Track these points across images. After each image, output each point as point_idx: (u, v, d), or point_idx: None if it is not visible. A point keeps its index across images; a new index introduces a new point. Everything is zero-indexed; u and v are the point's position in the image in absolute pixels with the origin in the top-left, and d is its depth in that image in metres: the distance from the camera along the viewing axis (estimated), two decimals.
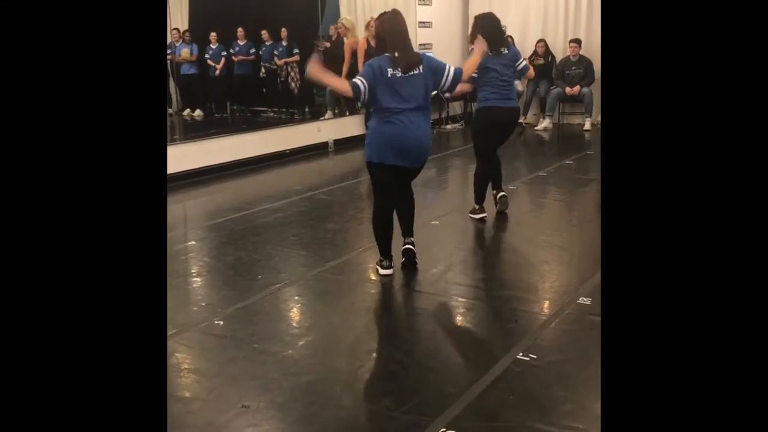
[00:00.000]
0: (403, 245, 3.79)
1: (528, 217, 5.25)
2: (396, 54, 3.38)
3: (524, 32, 9.66)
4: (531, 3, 9.65)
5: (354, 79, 3.40)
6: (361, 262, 4.02)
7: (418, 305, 3.33)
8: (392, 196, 3.65)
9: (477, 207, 4.83)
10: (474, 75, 4.34)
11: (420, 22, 9.37)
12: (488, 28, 4.49)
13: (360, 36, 8.14)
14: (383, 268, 3.66)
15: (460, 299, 3.38)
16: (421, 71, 3.42)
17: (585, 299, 3.27)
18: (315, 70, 3.37)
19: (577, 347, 2.86)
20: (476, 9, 10.05)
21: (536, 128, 9.22)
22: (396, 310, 3.31)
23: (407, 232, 3.82)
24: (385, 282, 3.73)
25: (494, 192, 4.95)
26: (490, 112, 4.67)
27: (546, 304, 3.24)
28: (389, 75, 3.37)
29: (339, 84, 3.59)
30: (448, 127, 9.55)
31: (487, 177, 4.87)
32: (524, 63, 4.80)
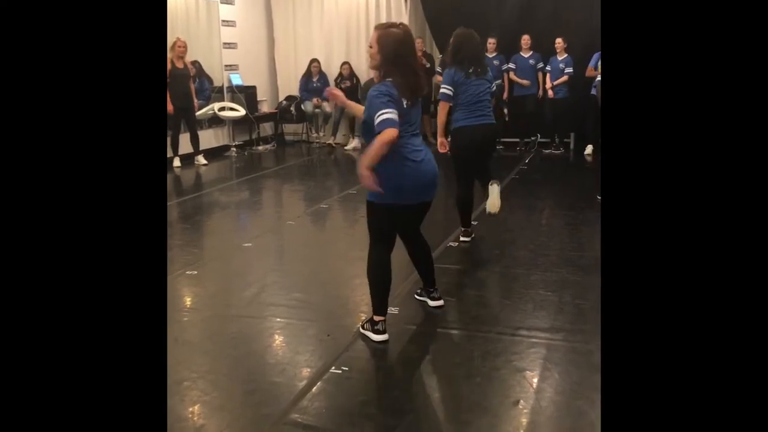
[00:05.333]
0: (432, 299, 3.48)
1: (340, 234, 5.39)
2: (402, 81, 2.86)
3: (329, 55, 9.93)
4: (334, 26, 9.95)
5: (385, 117, 2.75)
6: (169, 290, 3.85)
7: (232, 329, 3.28)
8: (393, 243, 3.17)
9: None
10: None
11: (223, 21, 9.26)
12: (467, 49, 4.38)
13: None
14: (379, 333, 3.05)
15: (275, 319, 3.38)
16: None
17: (393, 309, 3.41)
18: (366, 172, 2.81)
19: (386, 356, 2.99)
20: (279, 10, 10.18)
21: (346, 148, 9.49)
22: (208, 338, 3.23)
23: (431, 281, 3.48)
24: (196, 309, 3.62)
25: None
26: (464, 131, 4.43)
27: (357, 316, 3.34)
28: (405, 105, 2.87)
29: (382, 144, 2.76)
30: (260, 148, 9.51)
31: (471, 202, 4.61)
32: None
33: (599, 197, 5.84)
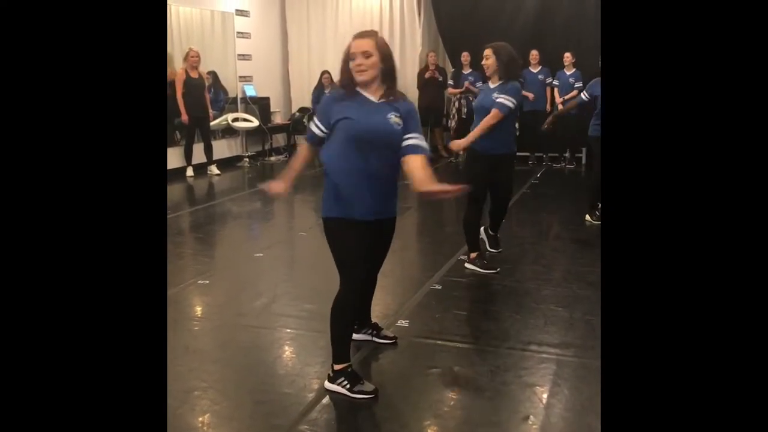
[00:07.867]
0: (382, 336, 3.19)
1: None
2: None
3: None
4: (347, 39, 9.90)
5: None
6: (181, 299, 3.88)
7: (242, 339, 3.29)
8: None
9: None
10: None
11: (238, 33, 9.35)
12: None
13: (178, 67, 7.94)
14: (367, 393, 2.64)
15: (286, 330, 3.39)
16: None
17: (403, 321, 3.43)
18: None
19: (396, 368, 2.99)
20: (294, 22, 10.26)
21: None
22: (219, 347, 3.24)
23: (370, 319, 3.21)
24: (207, 318, 3.64)
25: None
26: None
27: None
28: None
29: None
30: (273, 159, 9.57)
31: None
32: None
33: (587, 218, 5.68)
